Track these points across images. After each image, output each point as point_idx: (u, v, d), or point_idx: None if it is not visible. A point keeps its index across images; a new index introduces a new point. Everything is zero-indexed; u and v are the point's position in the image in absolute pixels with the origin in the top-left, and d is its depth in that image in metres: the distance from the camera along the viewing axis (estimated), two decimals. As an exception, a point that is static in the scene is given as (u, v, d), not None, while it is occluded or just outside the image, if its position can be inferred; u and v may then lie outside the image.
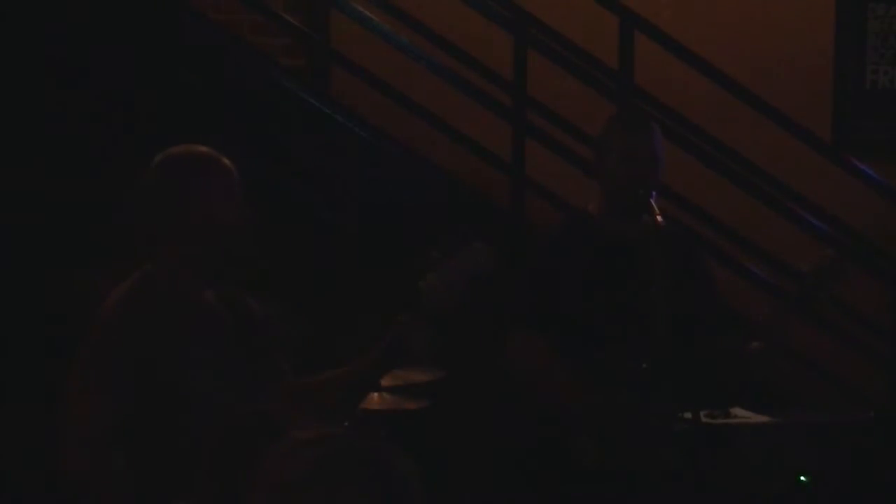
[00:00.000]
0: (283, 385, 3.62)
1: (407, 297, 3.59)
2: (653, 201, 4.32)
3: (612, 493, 4.24)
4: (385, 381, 4.83)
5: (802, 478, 4.57)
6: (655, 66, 6.10)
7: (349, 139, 5.81)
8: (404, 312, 3.57)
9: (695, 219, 5.90)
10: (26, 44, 5.49)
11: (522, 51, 5.93)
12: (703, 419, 5.07)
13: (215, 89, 5.70)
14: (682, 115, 5.96)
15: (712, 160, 5.98)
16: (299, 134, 5.74)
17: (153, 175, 3.50)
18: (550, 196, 5.88)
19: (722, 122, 6.13)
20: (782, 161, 6.16)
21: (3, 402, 4.95)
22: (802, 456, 5.22)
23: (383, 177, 5.83)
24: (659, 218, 4.30)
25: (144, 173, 3.51)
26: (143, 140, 5.51)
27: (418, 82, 6.08)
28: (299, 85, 5.93)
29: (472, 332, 5.51)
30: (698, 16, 6.64)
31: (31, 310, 5.14)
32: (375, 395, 4.89)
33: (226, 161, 3.52)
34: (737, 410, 5.55)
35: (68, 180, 5.35)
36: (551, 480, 4.32)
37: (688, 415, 4.44)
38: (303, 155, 5.74)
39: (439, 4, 6.21)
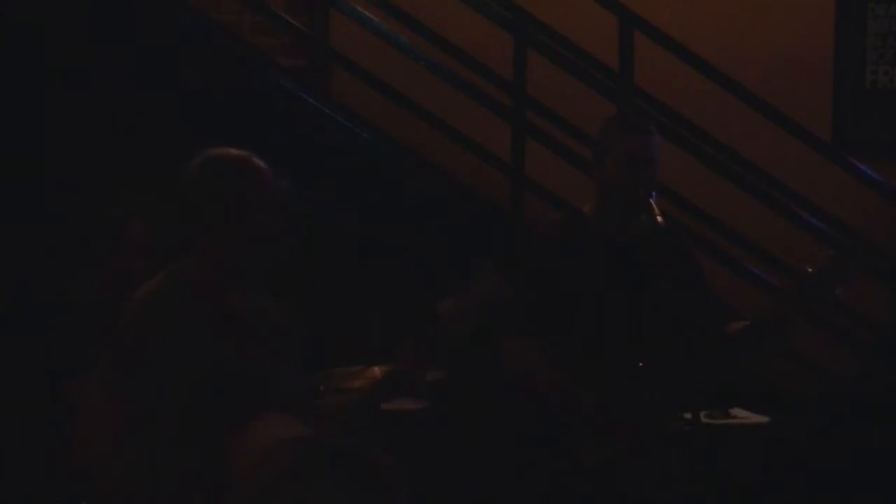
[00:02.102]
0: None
1: (420, 321, 3.61)
2: (653, 202, 4.32)
3: (612, 494, 4.24)
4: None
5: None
6: (655, 66, 6.10)
7: (349, 139, 5.81)
8: (419, 334, 3.61)
9: (695, 219, 5.90)
10: (26, 44, 5.50)
11: (522, 51, 5.93)
12: (703, 419, 5.08)
13: (215, 89, 5.70)
14: (682, 115, 5.96)
15: (712, 160, 5.98)
16: (299, 134, 5.74)
17: (202, 175, 3.48)
18: (550, 196, 5.88)
19: (722, 122, 6.14)
20: (782, 161, 6.16)
21: (4, 402, 4.95)
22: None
23: (383, 177, 5.83)
24: (659, 218, 4.30)
25: (195, 170, 3.48)
26: (144, 140, 5.53)
27: (418, 82, 6.08)
28: (299, 85, 5.94)
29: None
30: (698, 16, 6.64)
31: (29, 310, 5.14)
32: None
33: (268, 168, 3.53)
34: (737, 410, 5.56)
35: (68, 180, 5.36)
36: (550, 481, 4.32)
37: (688, 415, 4.44)
38: (303, 155, 5.75)
39: (439, 4, 6.21)
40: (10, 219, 5.37)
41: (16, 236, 5.33)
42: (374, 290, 5.62)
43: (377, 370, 4.67)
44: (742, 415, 5.54)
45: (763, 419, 5.56)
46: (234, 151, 3.52)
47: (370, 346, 4.73)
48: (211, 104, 5.66)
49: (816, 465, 5.44)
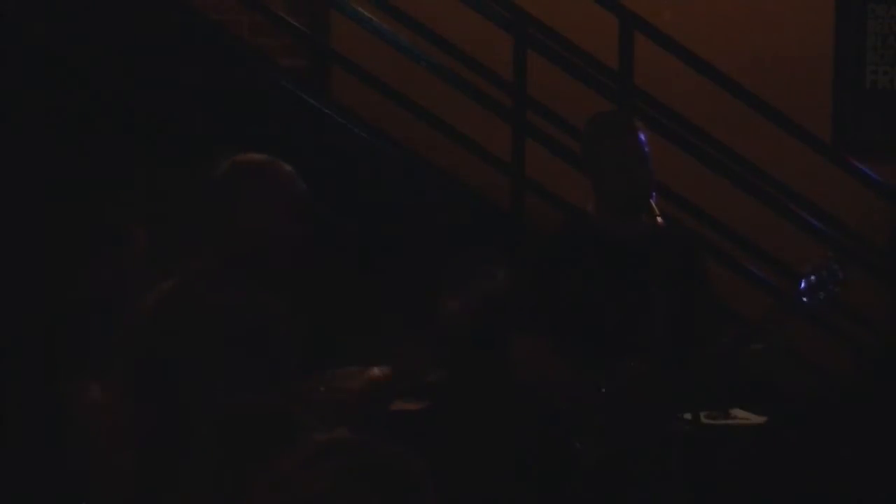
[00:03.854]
0: (299, 388, 3.64)
1: (424, 320, 3.62)
2: (653, 202, 4.32)
3: (613, 494, 4.24)
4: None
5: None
6: (655, 66, 6.10)
7: (349, 139, 5.81)
8: (421, 337, 3.62)
9: (694, 219, 5.90)
10: (26, 44, 5.49)
11: (522, 51, 5.93)
12: (703, 419, 5.08)
13: (215, 89, 5.70)
14: (682, 115, 5.96)
15: (712, 160, 5.98)
16: (299, 134, 5.74)
17: (222, 178, 3.53)
18: (550, 196, 5.88)
19: (722, 123, 6.13)
20: (782, 161, 6.16)
21: (4, 403, 4.94)
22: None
23: (383, 177, 5.83)
24: (659, 219, 4.30)
25: (211, 174, 3.53)
26: (143, 140, 5.52)
27: (418, 82, 6.08)
28: (299, 85, 5.93)
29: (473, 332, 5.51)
30: (698, 16, 6.64)
31: (30, 310, 5.14)
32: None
33: (290, 173, 3.55)
34: (737, 411, 5.56)
35: (68, 180, 5.35)
36: (553, 481, 4.32)
37: (688, 415, 4.44)
38: (303, 155, 5.74)
39: (439, 4, 6.21)
40: (12, 221, 5.36)
41: (18, 238, 5.32)
42: (373, 290, 5.62)
43: (377, 370, 4.67)
44: (742, 415, 5.54)
45: (763, 419, 5.56)
46: (257, 156, 3.57)
47: (370, 346, 4.73)
48: (211, 104, 5.65)
49: (816, 465, 5.43)
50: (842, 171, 6.12)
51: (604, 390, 4.20)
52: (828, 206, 6.06)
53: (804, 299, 4.27)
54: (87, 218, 4.84)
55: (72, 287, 4.69)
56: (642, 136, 4.39)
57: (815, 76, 6.70)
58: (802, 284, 4.27)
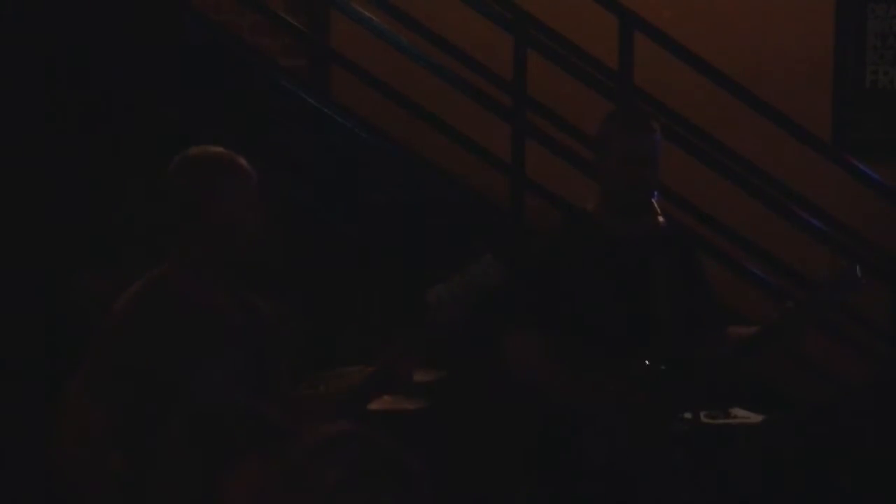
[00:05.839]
0: (283, 391, 3.62)
1: (412, 309, 3.59)
2: (654, 202, 4.31)
3: (615, 492, 4.23)
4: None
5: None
6: (655, 66, 6.10)
7: (349, 139, 5.82)
8: (408, 326, 3.58)
9: (695, 219, 5.90)
10: (27, 44, 5.49)
11: (522, 51, 5.94)
12: (703, 419, 5.07)
13: (215, 89, 5.70)
14: (682, 115, 5.96)
15: (712, 161, 5.98)
16: (299, 134, 5.74)
17: (176, 174, 3.49)
18: (550, 196, 5.88)
19: (722, 123, 6.14)
20: (782, 161, 6.16)
21: (4, 402, 4.95)
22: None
23: (383, 177, 5.83)
24: (660, 218, 4.30)
25: (166, 172, 3.49)
26: (143, 140, 5.53)
27: (418, 82, 6.08)
28: (299, 85, 5.94)
29: (472, 332, 5.52)
30: (698, 16, 6.64)
31: (31, 311, 5.14)
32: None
33: (247, 165, 3.51)
34: (737, 410, 5.56)
35: (68, 180, 5.36)
36: (556, 479, 4.31)
37: (688, 415, 4.43)
38: (303, 155, 5.75)
39: (439, 5, 6.21)
40: (15, 220, 5.37)
41: (21, 238, 5.32)
42: (373, 290, 5.62)
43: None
44: (742, 415, 5.53)
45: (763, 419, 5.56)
46: (211, 149, 3.53)
47: (370, 346, 4.73)
48: (211, 104, 5.65)
49: (817, 466, 5.44)
50: (842, 171, 6.12)
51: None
52: (828, 206, 6.06)
53: (821, 303, 4.26)
54: (87, 221, 4.85)
55: (72, 291, 4.70)
56: (654, 138, 4.36)
57: (815, 76, 6.70)
58: (821, 288, 4.26)
